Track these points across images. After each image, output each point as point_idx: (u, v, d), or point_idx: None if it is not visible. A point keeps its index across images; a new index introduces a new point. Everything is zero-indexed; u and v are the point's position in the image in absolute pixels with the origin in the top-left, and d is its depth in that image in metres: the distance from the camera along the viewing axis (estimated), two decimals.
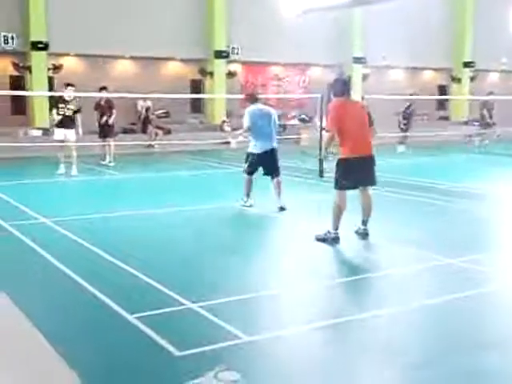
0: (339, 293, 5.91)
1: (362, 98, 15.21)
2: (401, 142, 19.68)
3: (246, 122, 9.54)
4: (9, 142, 16.14)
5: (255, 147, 9.50)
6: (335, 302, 5.65)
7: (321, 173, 13.13)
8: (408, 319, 5.14)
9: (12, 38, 20.30)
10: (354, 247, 7.53)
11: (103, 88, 15.65)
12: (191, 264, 6.68)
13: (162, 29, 22.29)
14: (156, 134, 20.28)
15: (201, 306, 5.17)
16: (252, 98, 9.88)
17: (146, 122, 21.04)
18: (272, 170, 9.53)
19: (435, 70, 30.58)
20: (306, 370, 4.23)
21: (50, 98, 19.65)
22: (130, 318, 4.93)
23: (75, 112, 13.56)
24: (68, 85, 13.91)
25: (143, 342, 4.52)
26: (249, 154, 9.60)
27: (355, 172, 7.41)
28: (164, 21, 22.35)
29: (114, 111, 15.37)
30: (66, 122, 13.53)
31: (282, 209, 9.35)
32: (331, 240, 7.41)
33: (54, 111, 13.69)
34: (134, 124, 21.90)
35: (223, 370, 4.00)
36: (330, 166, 12.25)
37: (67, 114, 13.49)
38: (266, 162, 9.52)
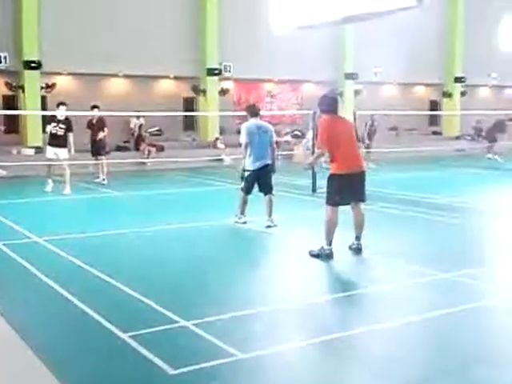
0: (334, 308, 5.89)
1: (354, 114, 15.26)
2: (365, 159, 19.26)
3: (243, 138, 9.38)
4: (1, 162, 16.09)
5: (252, 164, 9.36)
6: (330, 317, 5.63)
7: (314, 189, 13.15)
8: (403, 334, 5.12)
9: (5, 58, 20.34)
10: (348, 262, 7.52)
11: (95, 106, 15.65)
12: (185, 281, 6.65)
13: (155, 47, 22.40)
14: (149, 152, 20.30)
15: (195, 324, 5.14)
16: (252, 112, 9.67)
17: (139, 139, 21.07)
18: (266, 186, 9.46)
19: (427, 85, 30.81)
20: None
21: (43, 116, 19.71)
22: (124, 336, 4.89)
23: (67, 131, 13.54)
24: (60, 104, 13.93)
25: (137, 361, 4.48)
26: (245, 171, 9.47)
27: (347, 188, 7.40)
28: (157, 39, 22.46)
29: (105, 129, 15.37)
30: (58, 141, 13.53)
31: (269, 227, 9.26)
32: (325, 256, 7.35)
33: (48, 129, 13.66)
34: (127, 142, 21.94)
35: None
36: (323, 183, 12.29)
37: (59, 133, 13.49)
38: (261, 179, 9.47)
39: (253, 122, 9.49)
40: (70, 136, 13.63)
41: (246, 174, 9.42)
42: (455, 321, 5.39)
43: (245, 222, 9.53)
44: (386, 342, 4.98)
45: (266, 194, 9.48)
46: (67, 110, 13.94)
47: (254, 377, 4.36)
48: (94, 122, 15.41)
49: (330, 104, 7.66)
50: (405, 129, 28.40)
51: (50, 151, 13.69)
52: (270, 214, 9.38)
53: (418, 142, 24.65)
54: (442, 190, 13.65)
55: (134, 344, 4.73)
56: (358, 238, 7.67)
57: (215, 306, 5.66)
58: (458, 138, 28.94)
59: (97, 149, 15.38)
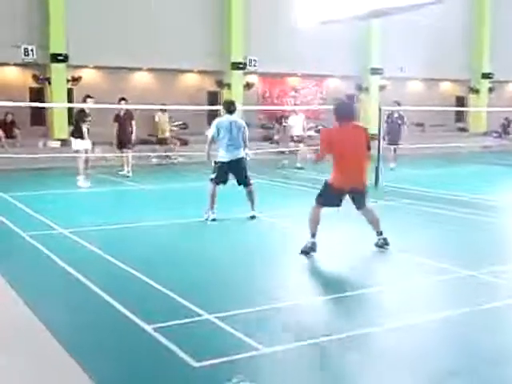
0: (358, 304, 5.85)
1: (379, 109, 15.12)
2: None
3: (210, 132, 9.67)
4: (28, 154, 16.29)
5: (224, 156, 9.54)
6: (354, 313, 5.60)
7: None
8: (426, 331, 5.08)
9: (32, 51, 20.55)
10: (374, 259, 7.48)
11: (122, 99, 15.75)
12: (209, 275, 6.67)
13: (180, 41, 22.45)
14: (174, 145, 20.36)
15: (218, 317, 5.15)
16: (227, 108, 9.75)
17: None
18: (242, 178, 9.69)
19: (453, 81, 30.44)
20: (323, 382, 4.19)
21: (69, 109, 19.90)
22: (148, 328, 4.92)
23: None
24: (88, 97, 14.08)
25: (161, 353, 4.51)
26: (216, 163, 9.64)
27: (339, 198, 7.47)
28: (182, 33, 22.51)
29: (133, 122, 15.48)
30: (83, 134, 13.72)
31: (252, 217, 9.56)
32: (309, 248, 7.34)
33: (85, 125, 13.75)
34: (151, 135, 22.03)
35: (241, 381, 3.98)
36: None
37: (89, 126, 13.79)
38: (234, 171, 9.63)
39: (226, 117, 9.63)
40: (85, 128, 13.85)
41: (218, 165, 9.58)
42: (479, 319, 5.33)
43: (214, 220, 9.41)
44: (410, 338, 4.95)
45: (245, 186, 9.73)
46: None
47: (276, 371, 4.36)
48: (122, 114, 15.50)
49: (345, 112, 7.51)
50: (430, 125, 28.11)
51: (81, 144, 13.86)
52: (252, 206, 9.67)
53: (444, 138, 24.36)
54: (467, 187, 13.50)
55: (158, 336, 4.76)
56: (378, 233, 7.63)
57: (239, 300, 5.67)
58: (484, 134, 28.57)
59: (124, 141, 15.46)
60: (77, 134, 13.81)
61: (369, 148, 7.54)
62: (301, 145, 17.85)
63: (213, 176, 9.59)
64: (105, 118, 15.83)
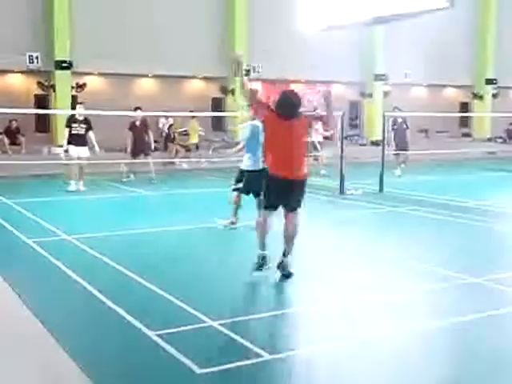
0: (362, 311, 5.83)
1: (383, 116, 15.11)
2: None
3: (245, 135, 8.94)
4: (33, 160, 16.34)
5: (255, 164, 8.83)
6: (358, 319, 5.58)
7: (341, 190, 13.12)
8: (432, 337, 5.06)
9: (37, 58, 20.66)
10: (377, 266, 7.46)
11: (138, 108, 15.75)
12: (213, 282, 6.66)
13: (184, 48, 22.54)
14: (177, 152, 20.39)
15: (222, 324, 5.14)
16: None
17: (167, 139, 21.18)
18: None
19: (457, 87, 30.45)
20: None
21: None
22: (152, 335, 4.92)
23: (87, 130, 13.86)
24: (79, 103, 14.19)
25: (164, 359, 4.50)
26: (246, 172, 8.97)
27: (280, 192, 6.54)
28: (186, 40, 22.59)
29: (149, 131, 15.67)
30: (79, 140, 13.78)
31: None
32: (260, 264, 6.54)
33: (67, 130, 13.91)
34: (155, 142, 22.07)
35: None
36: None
37: (80, 132, 13.79)
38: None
39: (258, 122, 8.93)
40: (91, 134, 13.94)
41: (245, 174, 8.93)
42: (484, 326, 5.31)
43: (235, 228, 9.20)
44: (414, 344, 4.94)
45: (256, 196, 8.94)
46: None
47: (280, 378, 4.34)
48: (138, 123, 15.52)
49: (284, 106, 6.63)
50: (435, 131, 28.11)
51: (74, 150, 13.92)
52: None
53: (448, 144, 24.34)
54: (471, 194, 13.47)
55: (162, 343, 4.75)
56: (285, 252, 6.61)
57: (243, 307, 5.66)
58: (489, 140, 28.54)
59: (141, 149, 15.54)
60: (69, 139, 13.92)
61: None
62: (321, 152, 17.29)
63: (240, 184, 9.01)
64: (110, 124, 15.88)
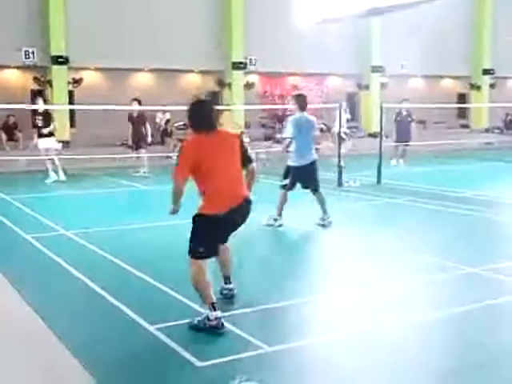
0: (361, 302, 5.85)
1: (381, 107, 15.10)
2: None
3: (289, 131, 8.66)
4: (30, 155, 16.31)
5: (298, 160, 8.70)
6: (357, 311, 5.60)
7: (339, 183, 13.13)
8: (431, 328, 5.08)
9: (33, 53, 20.60)
10: (374, 257, 7.48)
11: (135, 100, 15.69)
12: (213, 275, 6.66)
13: (181, 41, 22.48)
14: (174, 146, 20.37)
15: (222, 317, 5.15)
16: (301, 104, 8.78)
17: (164, 134, 21.17)
18: (313, 183, 8.87)
19: (454, 77, 30.42)
20: (328, 381, 4.19)
21: (71, 111, 19.92)
22: (151, 328, 4.93)
23: (47, 121, 14.20)
24: (37, 97, 14.62)
25: (164, 353, 4.51)
26: (291, 167, 8.78)
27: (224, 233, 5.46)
28: (182, 33, 22.53)
29: (147, 125, 15.57)
30: (43, 132, 14.15)
31: (323, 225, 8.81)
32: (212, 327, 4.91)
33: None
34: (152, 136, 22.05)
35: (245, 381, 3.98)
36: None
37: (40, 124, 14.13)
38: (308, 176, 8.79)
39: (300, 115, 8.75)
40: (52, 127, 14.31)
41: (292, 169, 8.76)
42: (482, 316, 5.33)
43: (281, 225, 8.87)
44: (413, 335, 4.96)
45: (315, 192, 8.93)
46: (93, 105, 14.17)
47: (280, 370, 4.36)
48: (135, 115, 15.50)
49: (200, 116, 5.28)
50: (433, 122, 28.11)
51: (42, 143, 14.31)
52: (325, 211, 8.88)
53: (446, 135, 24.35)
54: (469, 184, 13.48)
55: (162, 336, 4.77)
56: (227, 279, 5.81)
57: (242, 300, 5.66)
58: (486, 130, 28.56)
59: (138, 142, 15.47)
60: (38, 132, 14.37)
61: (247, 161, 5.36)
62: (346, 142, 16.82)
63: (285, 183, 8.79)
64: (107, 119, 15.85)
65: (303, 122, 8.65)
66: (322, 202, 8.89)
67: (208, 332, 4.87)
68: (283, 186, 8.86)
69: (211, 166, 5.08)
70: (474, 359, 4.46)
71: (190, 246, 5.26)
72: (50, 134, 14.21)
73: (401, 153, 17.49)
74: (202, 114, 5.29)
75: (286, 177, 8.85)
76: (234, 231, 5.38)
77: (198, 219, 5.23)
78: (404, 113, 17.72)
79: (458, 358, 4.50)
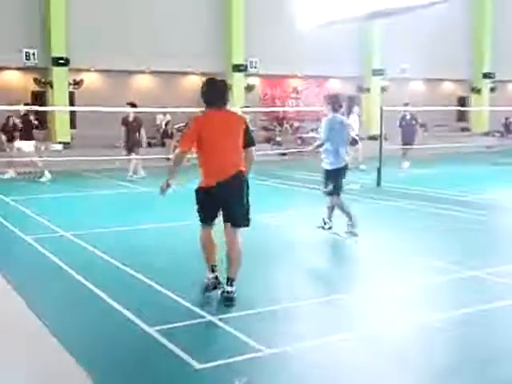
0: (360, 305, 5.85)
1: (381, 110, 15.10)
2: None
3: (324, 134, 8.35)
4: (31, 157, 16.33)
5: (336, 162, 8.39)
6: (356, 314, 5.60)
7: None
8: (430, 330, 5.07)
9: (33, 54, 20.62)
10: (374, 259, 7.47)
11: (131, 104, 15.63)
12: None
13: (182, 44, 22.50)
14: (175, 147, 20.36)
15: (221, 319, 5.15)
16: (334, 105, 8.48)
17: (165, 135, 21.17)
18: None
19: (455, 81, 30.45)
20: (325, 382, 4.19)
21: (71, 112, 19.92)
22: (151, 330, 4.92)
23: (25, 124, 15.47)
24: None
25: (164, 355, 4.51)
26: (332, 171, 8.39)
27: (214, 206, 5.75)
28: (183, 36, 22.56)
29: (142, 130, 15.50)
30: (20, 135, 15.35)
31: (353, 234, 8.38)
32: (210, 287, 5.75)
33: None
34: (153, 138, 22.08)
35: (244, 383, 3.97)
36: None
37: (19, 126, 15.52)
38: (340, 178, 8.50)
39: (334, 116, 8.46)
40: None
41: (332, 173, 8.39)
42: (482, 319, 5.32)
43: (330, 228, 8.58)
44: (413, 337, 4.95)
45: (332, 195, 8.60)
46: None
47: (279, 372, 4.35)
48: (131, 119, 15.42)
49: (214, 92, 5.76)
50: (433, 125, 28.11)
51: (17, 143, 15.48)
52: (331, 216, 8.61)
53: (446, 138, 24.35)
54: (470, 187, 13.48)
55: (161, 338, 4.76)
56: (228, 280, 5.66)
57: (241, 302, 5.66)
58: (486, 134, 28.56)
59: (132, 147, 15.43)
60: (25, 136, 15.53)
61: (249, 143, 5.80)
62: (357, 146, 16.61)
63: (329, 189, 8.41)
64: (109, 120, 15.84)
65: (336, 123, 8.40)
66: (340, 208, 8.51)
67: (207, 333, 4.86)
68: (329, 193, 8.46)
69: (211, 142, 5.62)
70: (474, 361, 4.46)
71: None
72: (27, 138, 15.29)
73: (404, 153, 17.71)
74: (216, 89, 5.80)
75: (327, 183, 8.47)
76: (227, 206, 5.70)
77: (195, 193, 5.85)
78: (408, 117, 17.89)
79: (457, 360, 4.49)
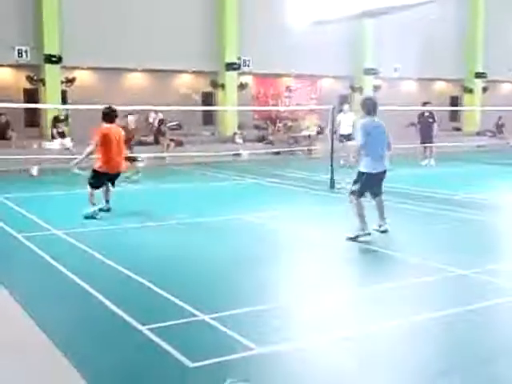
0: (351, 304, 5.88)
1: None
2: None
3: (359, 138, 8.22)
4: (23, 155, 16.28)
5: (371, 166, 8.26)
6: (347, 313, 5.62)
7: (332, 185, 13.14)
8: (421, 330, 5.10)
9: (26, 52, 20.53)
10: (365, 258, 7.50)
11: (131, 114, 15.40)
12: (204, 276, 6.67)
13: (174, 42, 22.46)
14: (168, 146, 20.35)
15: (213, 318, 5.16)
16: (368, 109, 8.37)
17: (158, 134, 21.13)
18: (379, 189, 8.56)
19: (447, 80, 30.55)
20: (318, 382, 4.20)
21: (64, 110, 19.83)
22: (143, 329, 4.93)
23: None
24: None
25: (156, 354, 4.51)
26: (362, 173, 8.29)
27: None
28: (176, 34, 22.52)
29: (134, 136, 15.41)
30: None
31: (384, 231, 8.48)
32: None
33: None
34: (145, 136, 22.02)
35: (236, 382, 3.99)
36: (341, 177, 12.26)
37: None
38: (378, 183, 8.47)
39: (370, 119, 8.33)
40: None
41: (363, 176, 8.28)
42: (472, 318, 5.35)
43: (369, 234, 8.24)
44: (404, 337, 4.97)
45: (376, 197, 8.58)
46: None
47: (271, 370, 4.37)
48: (130, 129, 15.22)
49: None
50: None
51: None
52: (382, 216, 8.59)
53: (438, 137, 24.40)
54: (461, 187, 13.54)
55: (153, 337, 4.76)
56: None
57: (234, 301, 5.67)
58: (478, 134, 28.67)
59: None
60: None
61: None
62: (348, 143, 16.58)
63: (355, 188, 8.27)
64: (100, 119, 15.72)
65: (371, 126, 8.23)
66: (381, 207, 8.52)
67: (200, 332, 4.88)
68: (352, 192, 8.32)
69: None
70: (466, 360, 4.49)
71: None
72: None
73: (428, 153, 18.34)
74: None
75: (356, 182, 8.35)
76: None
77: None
78: (426, 114, 18.37)
79: (449, 360, 4.52)
